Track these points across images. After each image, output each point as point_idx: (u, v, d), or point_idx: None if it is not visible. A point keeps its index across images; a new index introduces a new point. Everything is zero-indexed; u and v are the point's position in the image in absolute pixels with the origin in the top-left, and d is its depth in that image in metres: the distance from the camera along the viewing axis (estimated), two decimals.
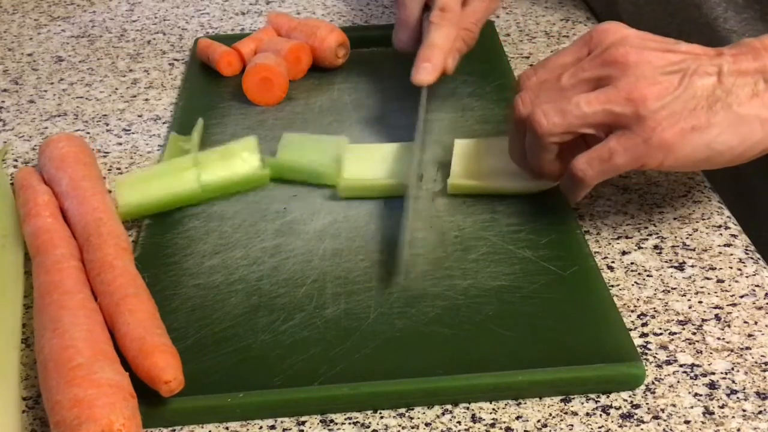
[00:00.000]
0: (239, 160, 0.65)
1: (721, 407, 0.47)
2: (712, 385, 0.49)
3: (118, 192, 0.62)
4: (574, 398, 0.48)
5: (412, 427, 0.47)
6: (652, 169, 0.53)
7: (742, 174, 0.64)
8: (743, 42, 0.54)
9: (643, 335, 0.52)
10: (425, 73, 0.67)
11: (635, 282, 0.56)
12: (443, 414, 0.48)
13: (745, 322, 0.53)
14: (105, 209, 0.59)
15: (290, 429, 0.48)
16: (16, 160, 0.71)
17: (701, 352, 0.51)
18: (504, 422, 0.47)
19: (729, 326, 0.52)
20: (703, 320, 0.53)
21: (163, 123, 0.75)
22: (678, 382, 0.49)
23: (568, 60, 0.55)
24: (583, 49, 0.55)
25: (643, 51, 0.52)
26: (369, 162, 0.65)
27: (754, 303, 0.54)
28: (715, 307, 0.54)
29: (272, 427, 0.48)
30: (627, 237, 0.59)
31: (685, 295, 0.55)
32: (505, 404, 0.48)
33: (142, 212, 0.62)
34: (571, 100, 0.53)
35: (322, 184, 0.64)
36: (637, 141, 0.51)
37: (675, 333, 0.52)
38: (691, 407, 0.47)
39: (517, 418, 0.47)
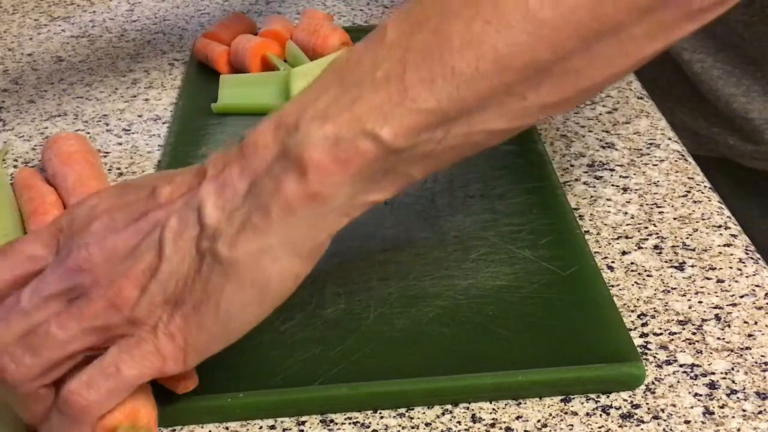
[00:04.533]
0: None
1: (721, 407, 0.47)
2: (712, 385, 0.49)
3: (222, 88, 0.74)
4: (574, 398, 0.48)
5: (412, 427, 0.47)
6: (175, 372, 0.43)
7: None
8: (220, 156, 0.43)
9: (643, 335, 0.52)
10: None
11: (635, 282, 0.56)
12: (443, 414, 0.48)
13: (745, 322, 0.53)
14: None
15: (290, 429, 0.48)
16: (16, 160, 0.71)
17: (701, 352, 0.51)
18: (504, 422, 0.47)
19: (729, 326, 0.52)
20: (703, 320, 0.53)
21: (163, 123, 0.75)
22: (678, 382, 0.49)
23: (23, 259, 0.43)
24: (52, 241, 0.43)
25: (107, 240, 0.41)
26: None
27: (754, 303, 0.54)
28: (715, 307, 0.54)
29: (272, 427, 0.48)
30: (627, 237, 0.59)
31: (685, 295, 0.55)
32: (505, 404, 0.48)
33: (233, 112, 0.74)
34: (39, 329, 0.41)
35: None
36: (146, 346, 0.41)
37: (675, 333, 0.52)
38: (691, 407, 0.47)
39: (517, 418, 0.47)
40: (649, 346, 0.51)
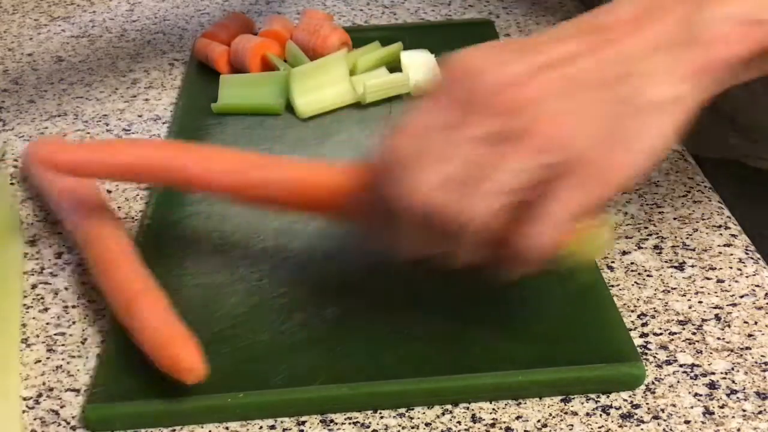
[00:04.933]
0: (329, 77, 0.73)
1: (721, 407, 0.47)
2: (712, 385, 0.49)
3: (222, 88, 0.74)
4: (574, 398, 0.48)
5: (412, 427, 0.47)
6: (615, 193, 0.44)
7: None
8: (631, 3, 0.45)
9: (643, 335, 0.52)
10: None
11: (635, 282, 0.56)
12: (443, 414, 0.48)
13: (745, 322, 0.53)
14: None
15: (290, 429, 0.48)
16: (16, 160, 0.71)
17: (701, 352, 0.51)
18: (504, 422, 0.47)
19: (729, 326, 0.52)
20: (703, 320, 0.53)
21: (163, 123, 0.75)
22: (678, 382, 0.49)
23: (434, 119, 0.44)
24: (451, 103, 0.43)
25: (535, 81, 0.42)
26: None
27: (754, 303, 0.54)
28: (715, 307, 0.54)
29: (272, 427, 0.48)
30: (627, 237, 0.59)
31: (685, 295, 0.55)
32: (505, 404, 0.48)
33: (233, 112, 0.73)
34: (479, 166, 0.42)
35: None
36: (590, 182, 0.42)
37: (675, 333, 0.52)
38: (691, 407, 0.47)
39: (517, 418, 0.47)
40: (649, 346, 0.51)
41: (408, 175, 0.43)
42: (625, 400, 0.48)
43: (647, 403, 0.48)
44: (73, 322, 0.55)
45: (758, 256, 0.58)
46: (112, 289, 0.52)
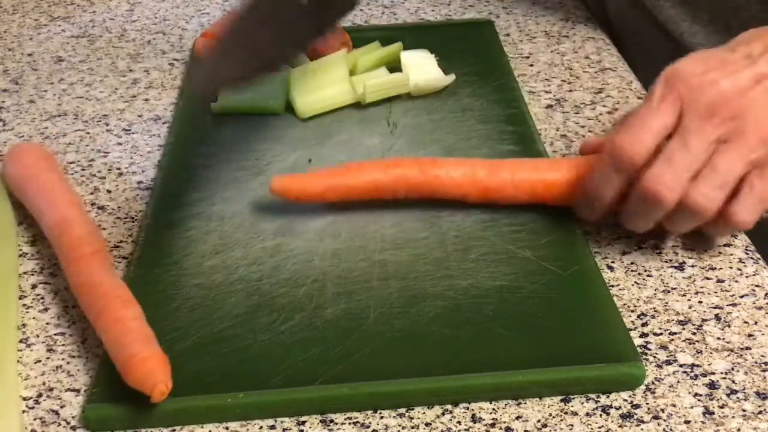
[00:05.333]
0: (329, 77, 0.74)
1: (721, 407, 0.47)
2: (712, 385, 0.49)
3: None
4: (574, 398, 0.48)
5: (412, 427, 0.47)
6: None
7: None
8: None
9: (643, 335, 0.52)
10: None
11: (635, 282, 0.56)
12: (443, 414, 0.48)
13: (745, 322, 0.53)
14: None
15: (290, 429, 0.48)
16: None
17: (701, 352, 0.51)
18: (504, 422, 0.47)
19: (729, 326, 0.52)
20: (703, 320, 0.53)
21: (163, 123, 0.75)
22: (678, 382, 0.49)
23: (668, 120, 0.53)
24: (675, 106, 0.53)
25: (748, 93, 0.53)
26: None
27: (754, 303, 0.54)
28: (715, 307, 0.54)
29: (272, 427, 0.48)
30: (627, 237, 0.59)
31: (685, 295, 0.55)
32: (505, 404, 0.48)
33: (233, 112, 0.73)
34: (707, 164, 0.53)
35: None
36: None
37: (675, 333, 0.52)
38: (691, 407, 0.47)
39: (517, 418, 0.47)
40: (649, 346, 0.51)
41: (659, 174, 0.53)
42: (625, 400, 0.48)
43: (647, 403, 0.48)
44: (73, 322, 0.55)
45: (758, 256, 0.58)
46: (85, 299, 0.52)
